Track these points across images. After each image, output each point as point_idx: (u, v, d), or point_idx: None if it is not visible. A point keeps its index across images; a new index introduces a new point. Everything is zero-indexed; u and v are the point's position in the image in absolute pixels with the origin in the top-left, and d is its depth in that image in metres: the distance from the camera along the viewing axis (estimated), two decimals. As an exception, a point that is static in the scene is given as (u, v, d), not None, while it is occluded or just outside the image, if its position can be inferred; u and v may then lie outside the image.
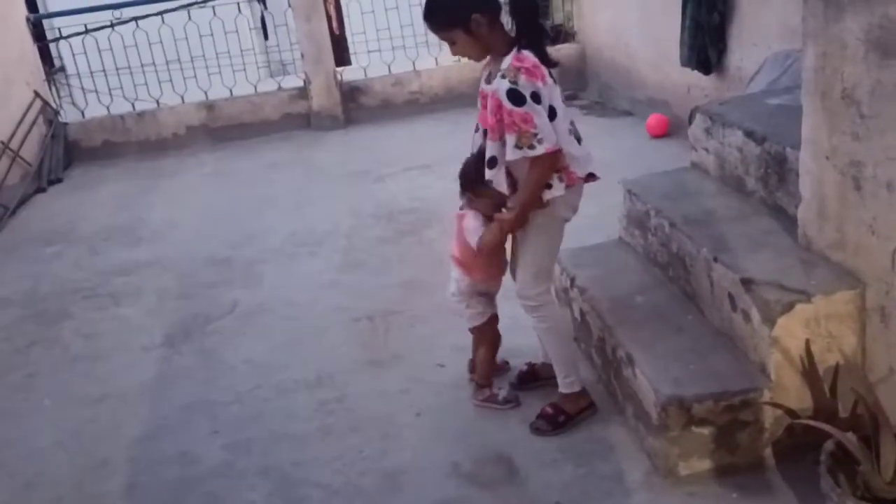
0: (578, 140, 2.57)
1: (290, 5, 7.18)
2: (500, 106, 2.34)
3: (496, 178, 2.47)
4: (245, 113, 7.20)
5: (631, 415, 2.52)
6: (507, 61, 2.36)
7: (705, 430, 2.23)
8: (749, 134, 2.74)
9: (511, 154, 2.35)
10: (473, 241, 2.61)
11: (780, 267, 2.32)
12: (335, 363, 3.30)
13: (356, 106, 7.30)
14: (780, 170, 2.59)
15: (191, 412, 3.10)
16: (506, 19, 2.51)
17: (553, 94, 2.41)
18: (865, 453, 1.89)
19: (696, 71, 5.17)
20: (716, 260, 2.44)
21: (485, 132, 2.48)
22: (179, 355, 3.55)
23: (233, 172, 6.36)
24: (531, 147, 2.32)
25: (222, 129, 7.16)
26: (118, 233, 5.23)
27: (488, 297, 2.83)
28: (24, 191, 6.15)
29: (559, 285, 3.20)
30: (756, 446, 2.27)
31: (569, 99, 7.29)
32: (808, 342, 2.17)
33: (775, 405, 2.19)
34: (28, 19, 7.06)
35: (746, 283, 2.28)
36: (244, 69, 7.62)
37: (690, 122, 3.17)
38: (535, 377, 2.91)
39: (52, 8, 9.96)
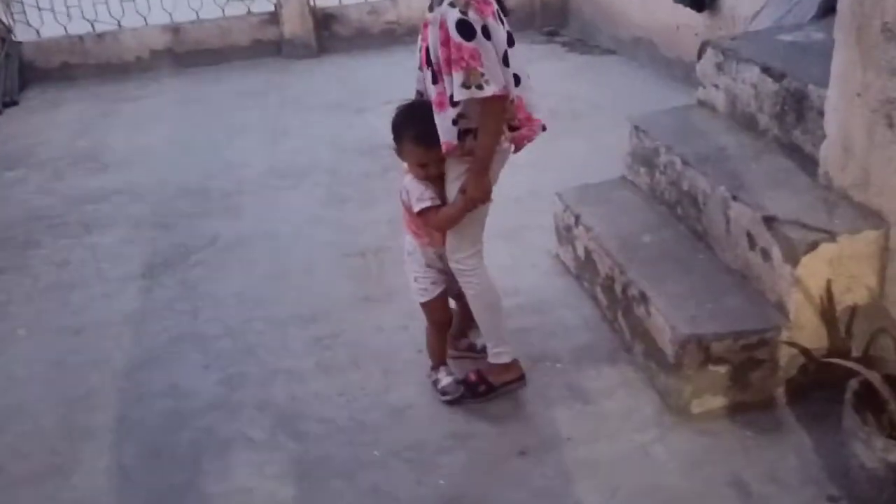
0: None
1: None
2: (447, 38, 2.08)
3: (442, 123, 2.19)
4: (212, 37, 6.85)
5: (640, 353, 2.50)
6: None
7: (721, 369, 2.22)
8: (766, 70, 2.68)
9: (458, 93, 2.09)
10: (416, 204, 2.32)
11: (800, 205, 2.28)
12: (328, 299, 3.20)
13: (329, 34, 7.01)
14: (798, 107, 2.54)
15: (179, 345, 2.98)
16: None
17: (502, 38, 2.17)
18: (891, 392, 1.89)
19: (687, 9, 5.07)
20: (735, 198, 2.39)
21: (432, 71, 2.18)
22: (161, 287, 3.41)
23: (201, 99, 6.08)
24: (479, 87, 2.07)
25: (188, 53, 6.81)
26: (82, 158, 4.97)
27: (439, 271, 2.50)
28: (-23, 113, 5.79)
29: (562, 222, 3.13)
30: (769, 385, 2.27)
31: (549, 35, 7.14)
32: (829, 282, 2.16)
33: (793, 345, 2.19)
34: (-24, -74, 6.53)
35: (768, 220, 2.24)
36: (212, -10, 7.22)
37: (700, 58, 3.08)
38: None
39: (-2, -84, 9.25)
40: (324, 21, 6.96)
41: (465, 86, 2.08)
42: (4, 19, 6.69)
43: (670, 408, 2.33)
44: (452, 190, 2.30)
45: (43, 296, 3.41)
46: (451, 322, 2.64)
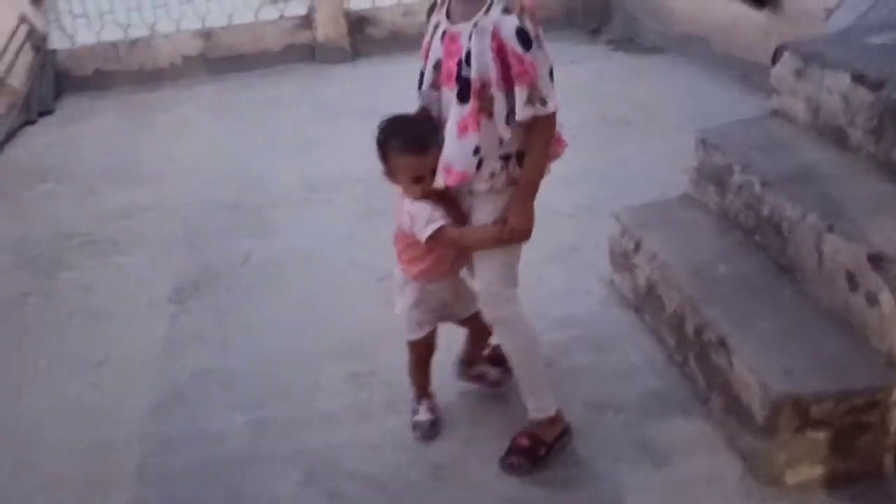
0: None
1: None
2: (502, 48, 1.84)
3: (461, 151, 1.92)
4: (245, 43, 6.67)
5: (719, 406, 2.20)
6: None
7: (821, 435, 1.91)
8: (859, 78, 2.35)
9: (522, 112, 1.85)
10: (420, 233, 2.02)
11: (911, 240, 1.97)
12: (362, 328, 2.95)
13: (363, 37, 6.78)
14: (900, 122, 2.22)
15: (206, 380, 2.76)
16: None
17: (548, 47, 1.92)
18: None
19: (745, 5, 4.72)
20: (830, 229, 2.08)
21: (461, 87, 1.89)
22: (189, 313, 3.20)
23: (233, 107, 5.90)
24: (543, 103, 1.85)
25: (221, 59, 6.65)
26: (115, 171, 4.81)
27: (431, 310, 2.23)
28: (12, 123, 5.68)
29: (619, 247, 2.84)
30: (876, 452, 1.96)
31: (593, 34, 6.82)
32: (949, 332, 1.85)
33: (907, 405, 1.88)
34: (10, -66, 6.43)
35: (875, 259, 1.93)
36: (245, -6, 7.06)
37: (774, 62, 2.76)
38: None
39: (34, -78, 9.22)
40: (357, 24, 6.73)
41: (530, 102, 1.84)
42: (39, 28, 6.59)
43: (758, 475, 2.02)
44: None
45: (67, 323, 3.22)
46: (433, 352, 2.38)
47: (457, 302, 2.28)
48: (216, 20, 6.69)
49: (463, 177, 1.94)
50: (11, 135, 5.58)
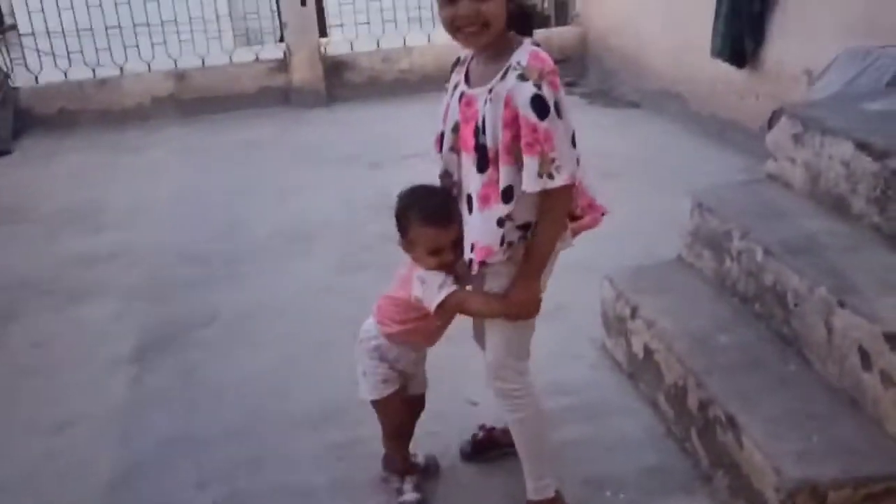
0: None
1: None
2: (516, 117, 1.73)
3: (484, 224, 1.83)
4: (219, 85, 6.57)
5: (724, 487, 2.08)
6: (520, 57, 1.74)
7: (838, 522, 1.81)
8: (862, 146, 2.31)
9: (530, 184, 1.74)
10: (431, 299, 1.93)
11: (925, 317, 1.89)
12: (342, 392, 2.75)
13: (340, 82, 6.74)
14: (905, 193, 2.17)
15: (171, 451, 2.55)
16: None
17: (569, 112, 1.80)
18: None
19: (726, 63, 4.75)
20: (842, 304, 2.00)
21: (479, 155, 1.80)
22: (153, 373, 3.00)
23: (205, 150, 5.76)
24: (550, 176, 1.73)
25: (193, 101, 6.53)
26: (77, 215, 4.61)
27: (396, 369, 2.14)
28: (-33, 163, 5.46)
29: (613, 311, 2.74)
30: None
31: (568, 86, 6.85)
32: (971, 417, 1.76)
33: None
34: (-24, -32, 6.27)
35: (893, 338, 1.84)
36: (219, 36, 6.98)
37: (770, 126, 2.73)
38: (495, 444, 2.36)
39: (3, -43, 9.05)
40: (335, 68, 6.69)
41: (539, 174, 1.73)
42: (2, 64, 6.39)
43: (770, 564, 1.91)
44: None
45: (20, 382, 2.99)
46: (411, 424, 2.27)
47: (415, 377, 2.23)
48: (189, 61, 6.58)
49: (489, 252, 1.84)
50: (-34, 175, 5.35)
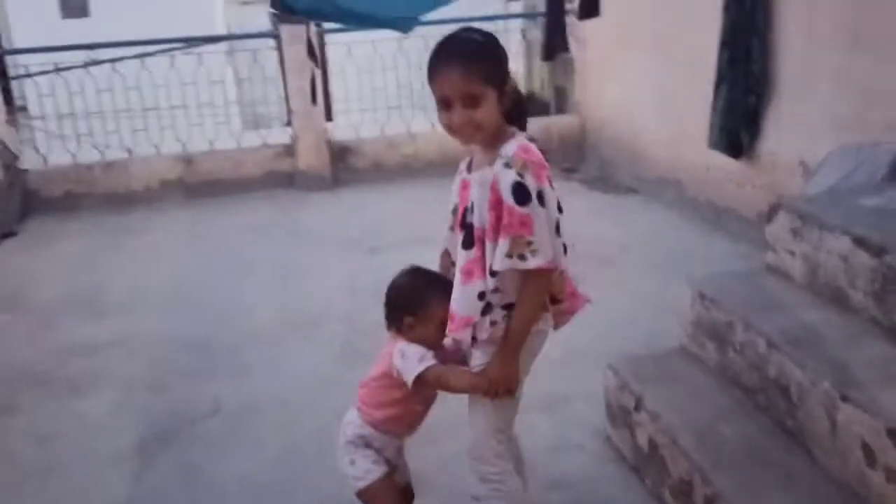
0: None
1: (280, 59, 6.76)
2: (500, 200, 1.85)
3: (465, 297, 1.93)
4: (225, 168, 6.69)
5: (736, 588, 2.03)
6: (509, 148, 1.88)
7: None
8: (860, 242, 2.35)
9: (500, 263, 1.85)
10: (411, 371, 1.99)
11: (930, 414, 1.89)
12: (343, 487, 2.71)
13: (345, 167, 6.87)
14: (903, 288, 2.20)
15: (171, 552, 2.50)
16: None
17: (555, 205, 1.94)
18: None
19: (722, 154, 4.86)
20: (845, 399, 2.00)
21: (466, 233, 1.95)
22: (154, 469, 2.92)
23: (209, 234, 5.81)
24: (522, 258, 1.84)
25: (199, 184, 6.64)
26: (78, 301, 4.61)
27: (384, 457, 2.19)
28: (-27, 245, 5.51)
29: (617, 401, 2.73)
30: None
31: (567, 172, 6.99)
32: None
33: None
34: (-9, 55, 6.49)
35: (895, 434, 1.84)
36: (227, 122, 7.15)
37: (770, 220, 2.78)
38: None
39: (19, 43, 9.37)
40: (340, 153, 6.83)
41: (508, 255, 1.84)
42: (11, 146, 6.53)
43: None
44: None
45: (21, 481, 2.90)
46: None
47: (398, 467, 2.26)
48: (197, 145, 6.72)
49: (467, 322, 1.94)
50: (-29, 259, 5.39)
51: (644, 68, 5.92)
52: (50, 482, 2.89)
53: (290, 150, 6.74)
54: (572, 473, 2.72)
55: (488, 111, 1.87)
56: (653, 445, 2.47)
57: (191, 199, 6.56)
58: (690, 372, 2.68)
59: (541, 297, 1.94)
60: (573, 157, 7.11)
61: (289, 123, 6.87)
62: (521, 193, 1.83)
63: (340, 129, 7.10)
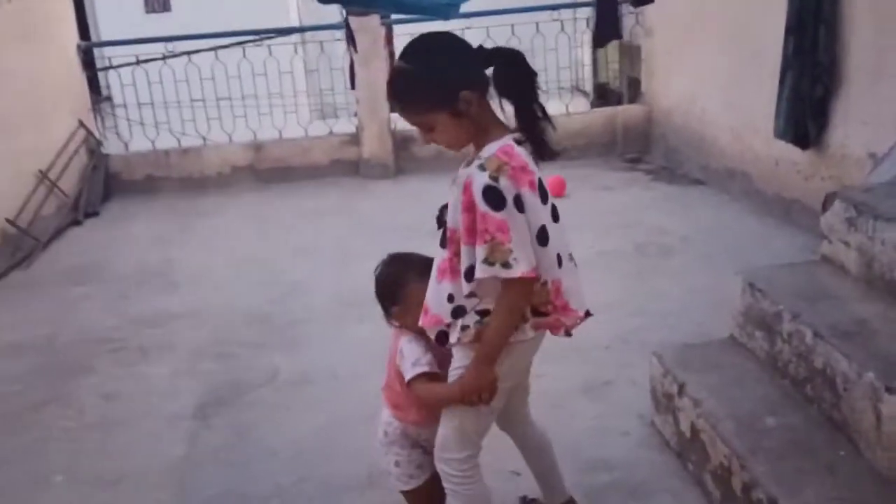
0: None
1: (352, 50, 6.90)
2: (473, 203, 1.78)
3: (436, 296, 1.91)
4: (293, 156, 6.91)
5: (769, 573, 2.02)
6: (491, 149, 1.82)
7: None
8: (915, 232, 2.29)
9: (480, 271, 1.78)
10: (408, 372, 2.01)
11: (979, 408, 1.84)
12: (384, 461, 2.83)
13: (407, 156, 6.98)
14: (960, 280, 2.13)
15: (222, 506, 2.65)
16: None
17: (541, 212, 1.85)
18: None
19: (789, 144, 4.73)
20: (890, 391, 1.96)
21: (443, 232, 1.90)
22: (211, 430, 3.11)
23: (276, 217, 6.04)
24: (506, 265, 1.75)
25: (268, 170, 6.88)
26: (152, 275, 4.88)
27: (427, 452, 2.17)
28: (60, 223, 5.86)
29: (661, 388, 2.73)
30: None
31: (632, 162, 6.92)
32: None
33: None
34: (79, 47, 6.86)
35: (942, 428, 1.80)
36: (296, 111, 7.36)
37: (825, 209, 2.72)
38: None
39: (105, 37, 9.86)
40: (402, 143, 6.94)
41: (489, 262, 1.76)
42: (96, 132, 6.90)
43: None
44: (453, 377, 1.99)
45: (85, 435, 3.14)
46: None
47: None
48: (267, 133, 6.96)
49: (436, 320, 1.91)
50: (57, 234, 5.74)
51: (711, 57, 5.81)
52: (115, 436, 3.10)
53: (355, 139, 6.90)
54: (616, 457, 2.74)
55: (444, 131, 1.85)
56: (694, 431, 2.47)
57: (260, 185, 6.81)
58: (738, 361, 2.65)
59: (518, 306, 1.84)
60: (639, 147, 7.04)
61: (356, 113, 7.02)
62: (492, 197, 1.75)
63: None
